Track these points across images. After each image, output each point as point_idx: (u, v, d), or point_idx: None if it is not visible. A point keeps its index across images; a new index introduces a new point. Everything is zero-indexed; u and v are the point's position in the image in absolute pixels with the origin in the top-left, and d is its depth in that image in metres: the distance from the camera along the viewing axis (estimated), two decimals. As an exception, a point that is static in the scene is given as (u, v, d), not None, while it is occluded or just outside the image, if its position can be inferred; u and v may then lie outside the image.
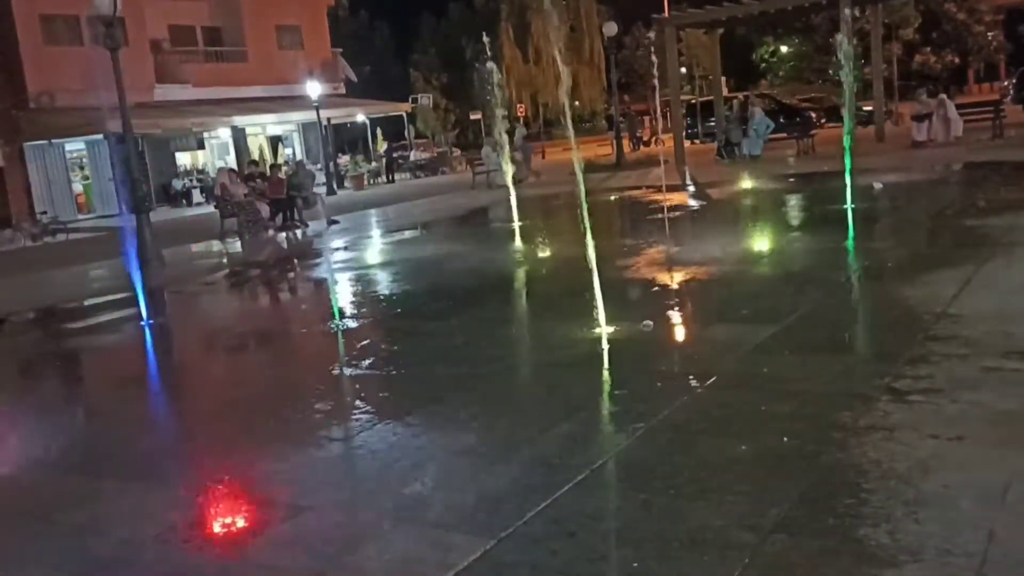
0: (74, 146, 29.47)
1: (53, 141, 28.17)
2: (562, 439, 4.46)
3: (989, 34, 52.68)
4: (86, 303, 11.57)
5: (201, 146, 34.71)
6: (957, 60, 52.52)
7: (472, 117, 47.15)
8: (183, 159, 34.15)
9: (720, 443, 4.21)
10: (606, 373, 5.66)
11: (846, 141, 11.96)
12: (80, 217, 28.41)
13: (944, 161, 17.57)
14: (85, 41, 27.03)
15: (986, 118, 22.01)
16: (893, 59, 38.76)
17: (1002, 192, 12.49)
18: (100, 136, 26.43)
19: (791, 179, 17.49)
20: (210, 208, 22.01)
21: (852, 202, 11.33)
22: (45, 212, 25.98)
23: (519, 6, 58.29)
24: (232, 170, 22.31)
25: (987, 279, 6.89)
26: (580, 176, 6.40)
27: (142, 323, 9.08)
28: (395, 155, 38.73)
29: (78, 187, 30.24)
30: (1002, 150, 18.23)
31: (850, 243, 9.67)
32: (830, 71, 43.27)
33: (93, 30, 19.67)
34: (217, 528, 3.86)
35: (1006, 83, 40.07)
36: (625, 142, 32.49)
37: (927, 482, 3.51)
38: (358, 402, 5.62)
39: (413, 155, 39.29)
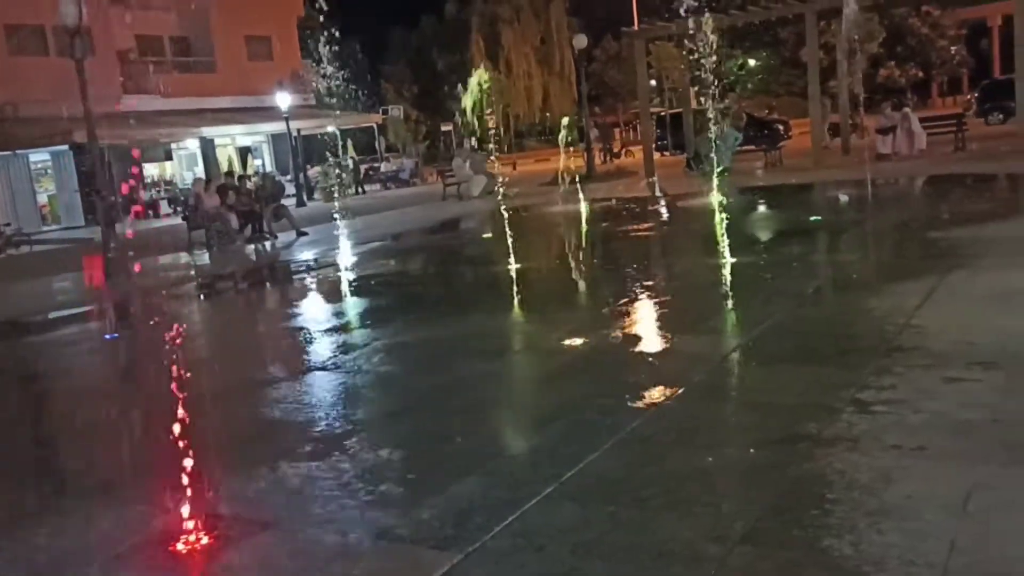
0: (39, 157, 29.11)
1: (17, 152, 27.80)
2: (530, 452, 4.47)
3: (952, 48, 53.67)
4: (50, 316, 11.40)
5: (169, 157, 34.40)
6: (921, 74, 53.41)
7: (443, 129, 47.17)
8: (151, 170, 33.81)
9: (688, 455, 4.23)
10: (575, 385, 5.67)
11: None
12: (45, 228, 28.03)
13: (908, 174, 17.84)
14: (51, 51, 26.75)
15: (949, 131, 22.40)
16: (859, 73, 39.31)
17: (965, 204, 12.70)
18: (65, 147, 26.14)
19: (759, 191, 17.67)
20: (178, 219, 21.81)
21: (818, 214, 11.46)
22: (8, 224, 25.58)
23: (490, 18, 58.46)
24: (201, 179, 22.13)
25: (950, 290, 6.99)
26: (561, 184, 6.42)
27: (107, 336, 8.97)
28: (365, 166, 38.62)
29: (43, 198, 29.84)
30: (965, 163, 18.56)
31: (816, 254, 9.78)
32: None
33: (59, 40, 19.46)
34: (180, 546, 3.80)
35: (969, 97, 40.78)
36: (597, 153, 32.67)
37: (890, 492, 3.55)
38: (325, 416, 5.57)
39: (383, 167, 39.22)
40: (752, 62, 58.09)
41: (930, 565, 2.99)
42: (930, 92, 57.19)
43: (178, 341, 4.20)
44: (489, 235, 12.79)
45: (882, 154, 21.83)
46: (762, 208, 15.12)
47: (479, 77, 52.15)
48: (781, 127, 32.57)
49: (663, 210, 16.32)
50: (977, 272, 7.55)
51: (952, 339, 5.57)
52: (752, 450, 4.17)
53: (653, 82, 44.53)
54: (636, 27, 32.27)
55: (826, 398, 4.77)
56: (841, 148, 24.71)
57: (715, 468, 4.04)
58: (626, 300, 8.23)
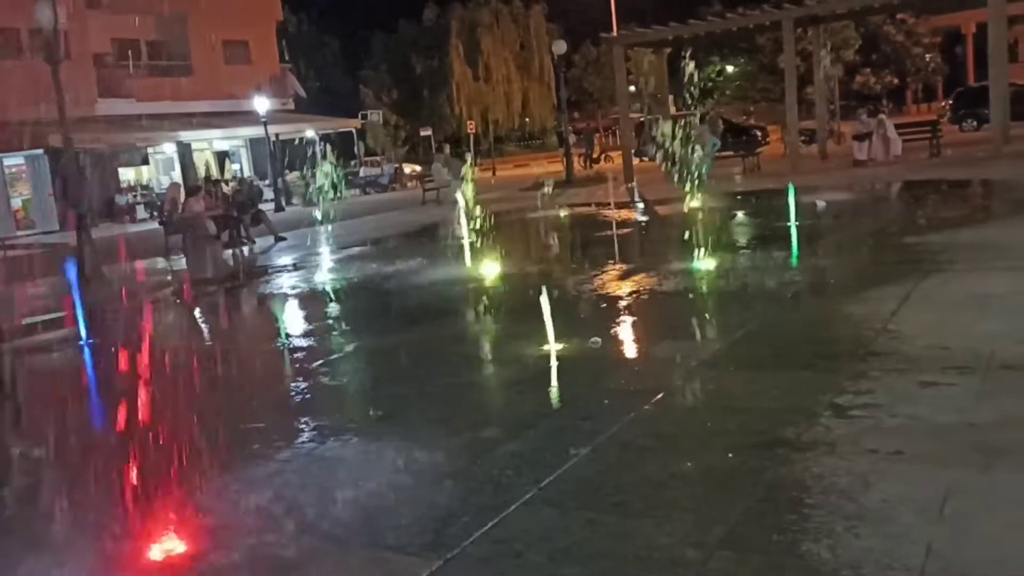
0: (13, 160, 28.77)
1: (-9, 155, 27.49)
2: (509, 457, 4.45)
3: (927, 56, 54.30)
4: (24, 322, 11.24)
5: (145, 161, 34.13)
6: (896, 81, 54.00)
7: (422, 133, 47.15)
8: (127, 174, 33.53)
9: (667, 460, 4.23)
10: (554, 390, 5.67)
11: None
12: (19, 233, 27.67)
13: (884, 179, 18.01)
14: (26, 54, 26.46)
15: (924, 138, 22.64)
16: (835, 80, 39.68)
17: (940, 210, 12.83)
18: (40, 151, 25.87)
19: (737, 196, 17.76)
20: (154, 224, 21.64)
21: (796, 219, 11.53)
22: (-19, 229, 25.32)
23: (469, 24, 58.53)
24: (177, 184, 21.98)
25: (925, 295, 7.06)
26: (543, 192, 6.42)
27: (81, 343, 8.87)
28: (344, 171, 38.50)
29: (17, 203, 29.50)
30: (939, 169, 18.76)
31: (794, 260, 9.84)
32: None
33: (34, 43, 19.30)
34: (153, 555, 3.75)
35: (944, 104, 41.24)
36: (576, 159, 32.76)
37: (867, 497, 3.57)
38: (302, 422, 5.53)
39: (363, 171, 39.12)
40: (730, 68, 58.52)
41: (907, 569, 3.01)
42: (905, 99, 57.83)
43: (148, 349, 4.16)
44: (468, 240, 12.76)
45: (858, 160, 22.04)
46: (740, 213, 15.20)
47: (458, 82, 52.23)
48: (759, 133, 32.83)
49: (641, 215, 16.38)
50: (952, 277, 7.63)
51: (927, 344, 5.62)
52: (731, 455, 4.18)
53: (632, 88, 44.72)
54: (615, 33, 32.39)
55: (804, 402, 4.80)
56: (818, 154, 24.91)
57: (694, 473, 4.05)
58: (604, 305, 8.25)
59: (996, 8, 20.30)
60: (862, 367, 5.31)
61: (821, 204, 14.67)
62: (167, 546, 3.77)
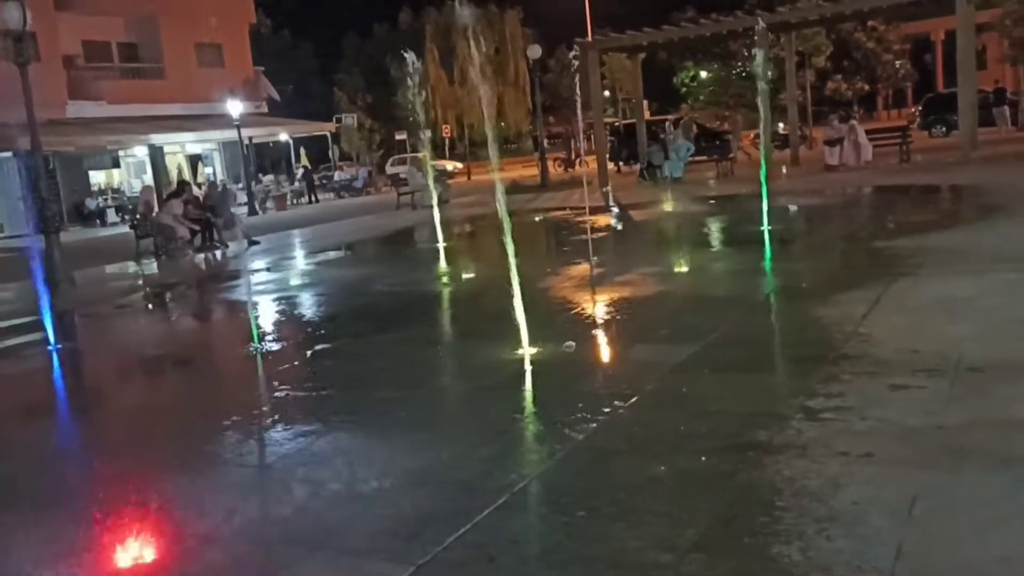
0: (-19, 163, 28.35)
1: (-42, 158, 27.07)
2: (483, 462, 4.44)
3: (897, 62, 54.98)
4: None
5: (116, 164, 33.80)
6: (867, 87, 54.62)
7: (397, 137, 47.05)
8: (97, 177, 33.17)
9: (640, 463, 4.24)
10: (528, 394, 5.67)
11: (763, 165, 12.28)
12: (-12, 236, 27.31)
13: (855, 184, 18.21)
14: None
15: (894, 143, 22.92)
16: (807, 86, 40.08)
17: (909, 214, 12.98)
18: (9, 153, 25.49)
19: (711, 201, 17.88)
20: (125, 228, 21.41)
21: (768, 224, 11.62)
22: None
23: (444, 27, 58.44)
24: (150, 187, 21.78)
25: (895, 299, 7.13)
26: (503, 198, 6.43)
27: (49, 348, 8.74)
28: (319, 175, 38.36)
29: (-15, 206, 29.07)
30: (909, 174, 18.99)
31: (766, 264, 9.91)
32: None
33: (3, 44, 19.07)
34: (122, 562, 3.71)
35: (914, 110, 41.77)
36: (553, 163, 32.82)
37: (838, 499, 3.60)
38: (273, 427, 5.48)
39: (337, 175, 38.98)
40: (703, 74, 58.90)
41: (877, 570, 3.03)
42: (876, 105, 58.51)
43: (113, 354, 4.11)
44: (443, 244, 12.77)
45: (830, 165, 22.27)
46: (713, 217, 15.30)
47: (432, 85, 52.13)
48: (731, 138, 33.02)
49: (616, 220, 16.43)
50: (921, 281, 7.72)
51: (897, 347, 5.67)
52: (703, 458, 4.19)
53: (607, 93, 44.93)
54: (590, 38, 32.51)
55: (776, 406, 4.83)
56: (791, 159, 25.14)
57: (667, 477, 4.06)
58: (578, 309, 8.26)
59: (964, 16, 20.59)
60: (833, 370, 5.35)
61: (793, 209, 14.82)
62: (131, 554, 3.72)
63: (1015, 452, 3.90)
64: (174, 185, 22.68)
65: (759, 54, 14.85)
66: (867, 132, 23.35)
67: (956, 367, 5.15)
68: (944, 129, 31.26)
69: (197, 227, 17.70)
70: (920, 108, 37.49)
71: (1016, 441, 4.04)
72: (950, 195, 15.55)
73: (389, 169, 43.13)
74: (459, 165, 46.82)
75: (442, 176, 27.35)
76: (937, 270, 8.10)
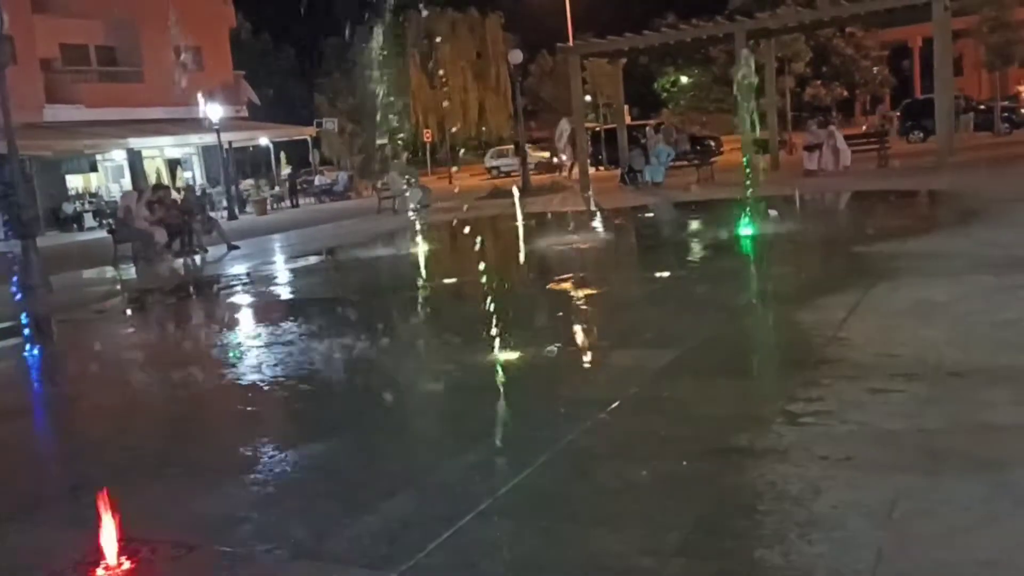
0: (-44, 167, 28.02)
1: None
2: (464, 467, 4.42)
3: (875, 69, 55.43)
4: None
5: (94, 168, 33.52)
6: (845, 93, 55.02)
7: (378, 142, 46.92)
8: (75, 182, 32.88)
9: (622, 468, 4.24)
10: (509, 399, 5.65)
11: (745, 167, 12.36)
12: (-38, 242, 26.98)
13: (834, 189, 18.33)
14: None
15: (872, 149, 23.12)
16: (786, 91, 40.33)
17: (887, 219, 13.09)
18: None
19: (691, 205, 17.95)
20: (103, 233, 21.23)
21: (748, 228, 11.67)
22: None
23: (425, 32, 58.43)
24: (132, 192, 21.58)
25: (874, 303, 7.17)
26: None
27: (26, 353, 8.65)
28: (298, 179, 38.21)
29: (-40, 211, 28.73)
30: (887, 179, 19.17)
31: (746, 268, 9.96)
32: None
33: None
34: (99, 572, 3.66)
35: (883, 113, 42.09)
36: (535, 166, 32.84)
37: (818, 503, 3.61)
38: (251, 435, 5.43)
39: (318, 180, 38.84)
40: (684, 79, 59.19)
41: (858, 574, 3.04)
42: (854, 110, 58.95)
43: (89, 360, 4.07)
44: (422, 249, 12.74)
45: (809, 170, 22.43)
46: (694, 222, 15.36)
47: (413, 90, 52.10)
48: (712, 143, 33.23)
49: (597, 225, 16.46)
50: (899, 285, 7.77)
51: (876, 351, 5.70)
52: (685, 462, 4.20)
53: (588, 98, 45.04)
54: (571, 43, 32.58)
55: (756, 410, 4.84)
56: (770, 164, 25.29)
57: (649, 481, 4.06)
58: (559, 314, 8.26)
59: (941, 23, 20.82)
60: (813, 375, 5.37)
61: (773, 213, 14.90)
62: (103, 561, 3.67)
63: (993, 455, 3.93)
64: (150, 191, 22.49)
65: (741, 72, 14.88)
66: (846, 137, 23.54)
67: (935, 371, 5.18)
68: (922, 135, 31.59)
69: (167, 231, 17.53)
70: (898, 114, 37.85)
71: (994, 444, 4.07)
72: (927, 200, 15.69)
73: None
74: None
75: (419, 184, 27.35)
76: (915, 275, 8.15)
